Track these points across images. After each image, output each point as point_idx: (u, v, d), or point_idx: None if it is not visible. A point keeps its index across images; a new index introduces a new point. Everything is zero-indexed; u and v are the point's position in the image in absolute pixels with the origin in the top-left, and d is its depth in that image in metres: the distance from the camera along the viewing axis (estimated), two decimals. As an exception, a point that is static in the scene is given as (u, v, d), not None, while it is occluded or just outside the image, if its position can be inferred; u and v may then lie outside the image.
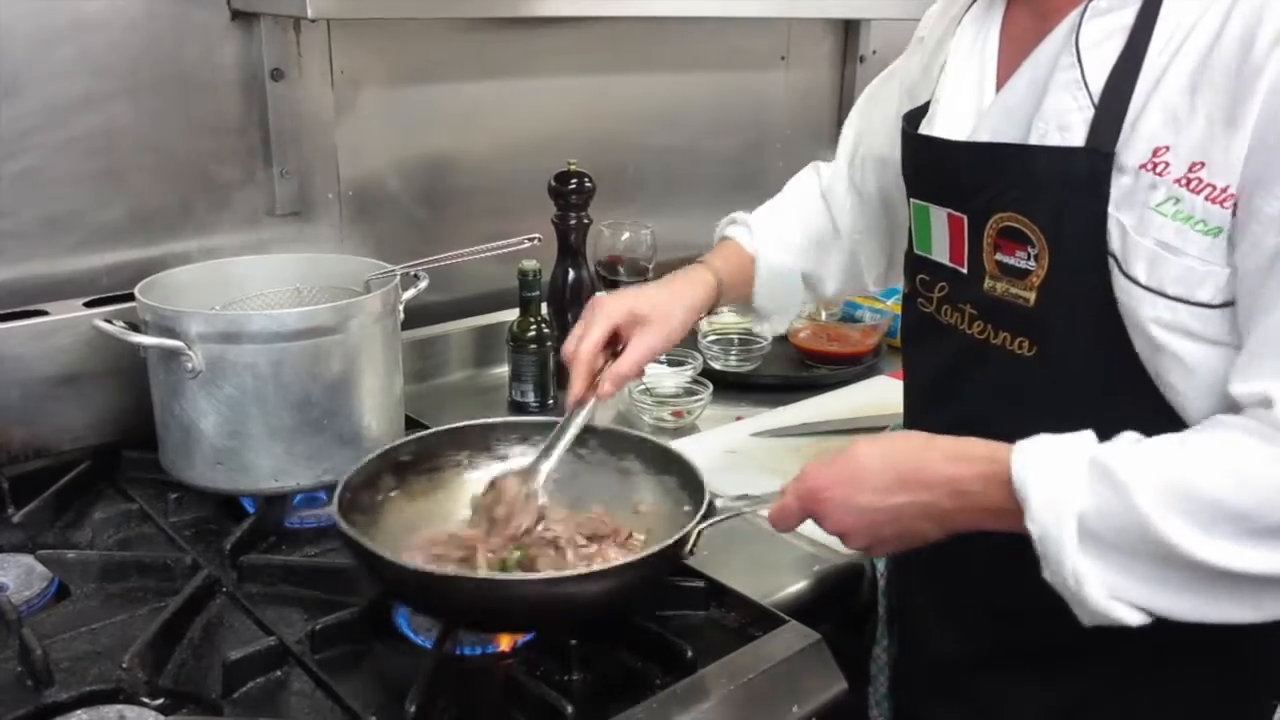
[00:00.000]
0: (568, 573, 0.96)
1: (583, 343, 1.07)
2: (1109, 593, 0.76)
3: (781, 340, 1.83)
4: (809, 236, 1.27)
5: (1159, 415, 0.83)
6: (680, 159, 2.01)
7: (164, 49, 1.38)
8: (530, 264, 1.53)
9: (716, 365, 1.71)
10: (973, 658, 1.04)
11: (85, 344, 1.29)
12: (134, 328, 1.18)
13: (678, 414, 1.53)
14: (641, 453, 1.13)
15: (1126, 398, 0.85)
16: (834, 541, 1.17)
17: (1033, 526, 0.77)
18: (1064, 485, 0.76)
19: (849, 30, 2.22)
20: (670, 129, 1.97)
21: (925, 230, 1.00)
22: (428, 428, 1.39)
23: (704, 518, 0.96)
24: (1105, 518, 0.75)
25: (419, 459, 1.11)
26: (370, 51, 1.56)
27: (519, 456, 1.14)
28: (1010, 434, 0.81)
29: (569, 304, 1.63)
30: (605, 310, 1.09)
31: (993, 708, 1.03)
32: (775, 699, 0.93)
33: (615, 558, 1.00)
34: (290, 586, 1.06)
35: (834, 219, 1.28)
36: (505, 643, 0.98)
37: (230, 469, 1.18)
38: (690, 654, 0.94)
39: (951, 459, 0.83)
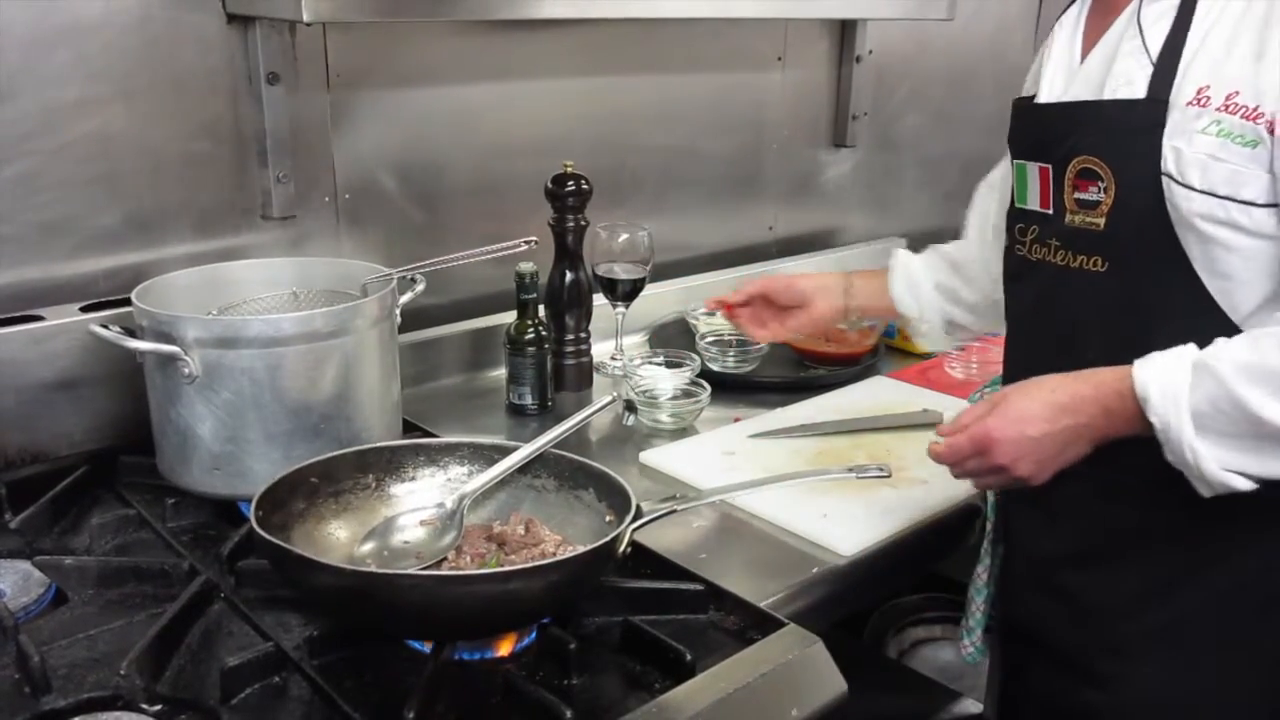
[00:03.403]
0: (521, 566, 0.99)
1: (739, 289, 1.50)
2: (1220, 465, 0.97)
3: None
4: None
5: (1212, 313, 1.03)
6: (677, 160, 2.01)
7: (159, 53, 1.38)
8: (527, 266, 1.53)
9: (714, 367, 1.70)
10: (1071, 554, 1.18)
11: (82, 349, 1.29)
12: (130, 333, 1.18)
13: (675, 416, 1.53)
14: (557, 471, 1.15)
15: (1185, 297, 1.04)
16: (832, 543, 1.20)
17: (1155, 419, 0.98)
18: (1176, 384, 0.98)
19: (845, 30, 2.21)
20: (667, 130, 1.97)
21: (1023, 185, 1.19)
22: (425, 431, 1.40)
23: (633, 519, 1.01)
24: (1209, 403, 0.96)
25: (326, 481, 1.10)
26: (366, 54, 1.56)
27: (428, 478, 1.15)
28: (1094, 338, 1.09)
29: (566, 306, 1.63)
30: (768, 283, 1.49)
31: (1083, 595, 1.17)
32: (775, 702, 0.93)
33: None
34: (288, 592, 1.06)
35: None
36: (504, 647, 0.98)
37: (227, 474, 1.18)
38: (689, 657, 0.94)
39: (1093, 385, 1.04)
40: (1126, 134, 1.06)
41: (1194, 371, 0.97)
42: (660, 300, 1.91)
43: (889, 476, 1.21)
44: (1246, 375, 0.95)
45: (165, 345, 1.14)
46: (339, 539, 1.08)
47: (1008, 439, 1.06)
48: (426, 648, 0.97)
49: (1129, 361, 1.01)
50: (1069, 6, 1.23)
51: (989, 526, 1.33)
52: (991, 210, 1.41)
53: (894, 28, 2.28)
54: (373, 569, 1.01)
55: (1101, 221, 1.08)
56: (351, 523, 1.10)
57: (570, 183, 1.58)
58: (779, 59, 2.13)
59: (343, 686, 0.92)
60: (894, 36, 2.29)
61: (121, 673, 0.90)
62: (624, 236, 1.68)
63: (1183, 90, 1.03)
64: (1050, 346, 1.14)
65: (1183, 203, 1.02)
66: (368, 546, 1.06)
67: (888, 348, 1.90)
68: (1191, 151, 1.01)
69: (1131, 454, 1.02)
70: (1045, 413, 1.05)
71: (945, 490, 1.32)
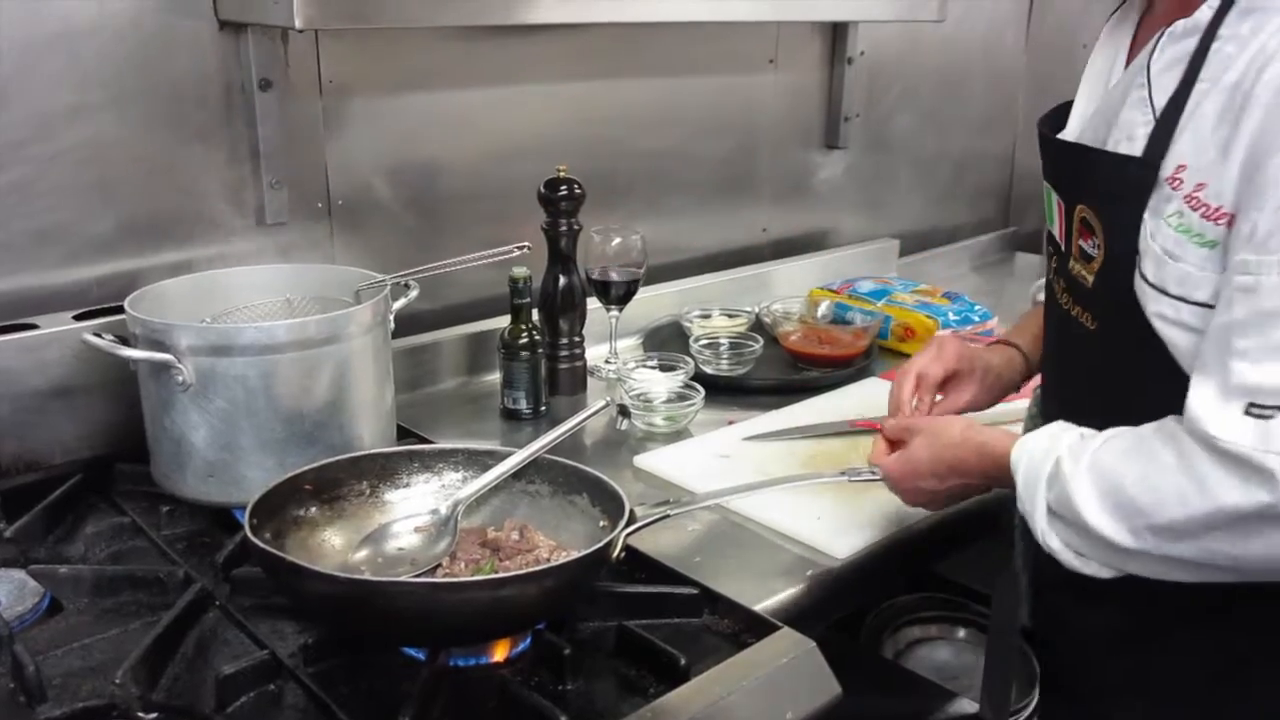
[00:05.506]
0: (515, 572, 0.99)
1: (931, 366, 1.30)
2: (1076, 555, 0.96)
3: (773, 343, 1.83)
4: None
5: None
6: (670, 163, 2.02)
7: (152, 60, 1.38)
8: (521, 271, 1.53)
9: (708, 369, 1.71)
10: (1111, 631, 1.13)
11: (75, 357, 1.29)
12: (124, 341, 1.18)
13: (670, 419, 1.53)
14: (551, 476, 1.15)
15: (1169, 367, 0.95)
16: (826, 546, 1.20)
17: (1020, 506, 1.01)
18: (1035, 475, 0.98)
19: (837, 33, 2.22)
20: (660, 133, 1.98)
21: (1050, 211, 1.12)
22: (420, 437, 1.41)
23: (627, 524, 1.01)
24: (1058, 503, 0.96)
25: (320, 488, 1.10)
26: (359, 60, 1.56)
27: (422, 484, 1.15)
28: (1085, 391, 1.05)
29: (560, 310, 1.63)
30: (943, 360, 1.30)
31: (1139, 607, 1.10)
32: (769, 706, 0.93)
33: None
34: (283, 599, 1.05)
35: None
36: (500, 653, 0.98)
37: (222, 481, 1.18)
38: (684, 662, 0.94)
39: (979, 454, 1.09)
40: (1118, 195, 0.97)
41: (1055, 466, 0.96)
42: (654, 303, 1.91)
43: (882, 479, 1.21)
44: (1093, 484, 0.92)
45: (158, 353, 1.14)
46: (333, 546, 1.08)
47: (905, 488, 1.16)
48: (422, 654, 0.97)
49: (1125, 418, 0.96)
50: (1114, 13, 1.12)
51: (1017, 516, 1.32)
52: None
53: (885, 29, 2.28)
54: (367, 576, 1.01)
55: (1091, 279, 1.02)
56: (346, 529, 1.10)
57: (563, 187, 1.58)
58: (771, 61, 2.13)
59: (338, 694, 0.92)
60: (886, 38, 2.30)
61: (116, 681, 0.90)
62: (617, 240, 1.69)
63: (1168, 162, 0.92)
64: (1059, 386, 1.12)
65: (1138, 291, 0.95)
66: (362, 553, 1.06)
67: (881, 349, 1.90)
68: (1153, 241, 0.93)
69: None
70: (935, 469, 1.13)
71: (939, 492, 1.32)
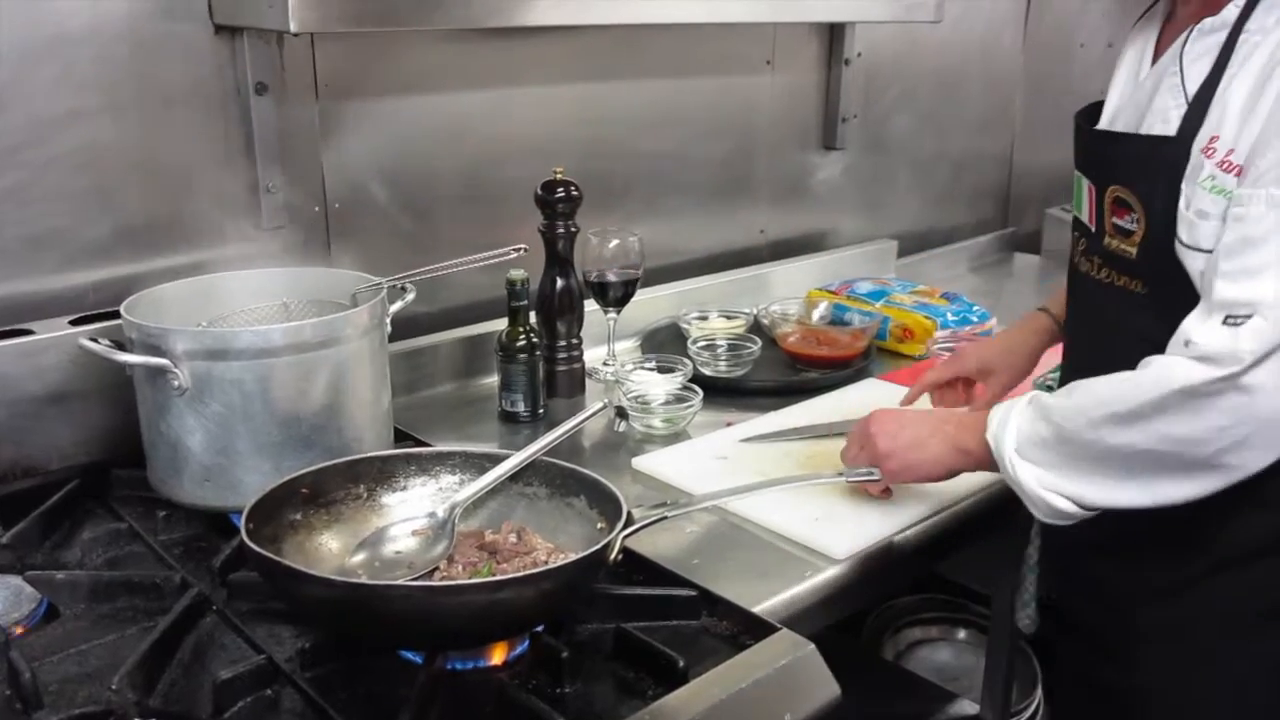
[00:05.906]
0: (512, 575, 0.98)
1: (929, 374, 1.49)
2: (1039, 484, 1.06)
3: (771, 345, 1.83)
4: None
5: None
6: (667, 165, 2.01)
7: (148, 64, 1.37)
8: (518, 273, 1.53)
9: (706, 371, 1.70)
10: (1095, 542, 1.21)
11: (71, 362, 1.29)
12: (120, 346, 1.17)
13: (668, 421, 1.53)
14: (548, 478, 1.15)
15: None
16: (825, 546, 1.19)
17: (990, 439, 1.11)
18: (1010, 411, 1.10)
19: (834, 34, 2.22)
20: (657, 135, 1.97)
21: (1079, 196, 1.22)
22: (417, 440, 1.40)
23: (624, 526, 1.01)
24: (1030, 421, 1.08)
25: (317, 492, 1.10)
26: (354, 64, 1.56)
27: (419, 487, 1.15)
28: (1129, 351, 1.06)
29: (557, 313, 1.63)
30: (958, 362, 1.48)
31: (1105, 582, 1.23)
32: (768, 707, 0.92)
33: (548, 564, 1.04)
34: (280, 604, 1.05)
35: None
36: (498, 656, 0.98)
37: (218, 486, 1.18)
38: (682, 664, 0.94)
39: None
40: (1155, 172, 1.08)
41: (1029, 403, 1.09)
42: (652, 305, 1.91)
43: (880, 479, 1.21)
44: (1067, 390, 1.07)
45: (155, 358, 1.14)
46: (331, 550, 1.08)
47: (884, 413, 1.25)
48: (419, 658, 0.97)
49: None
50: (1140, 18, 1.24)
51: (1030, 549, 1.38)
52: None
53: (883, 30, 2.28)
54: (363, 580, 1.01)
55: (1134, 251, 1.12)
56: (343, 533, 1.10)
57: (560, 189, 1.58)
58: (768, 63, 2.13)
59: (336, 698, 0.92)
60: (883, 39, 2.30)
61: (113, 687, 0.90)
62: (615, 242, 1.68)
63: (1201, 136, 1.05)
64: (1097, 362, 1.14)
65: (1179, 254, 1.06)
66: (359, 557, 1.06)
67: (880, 350, 1.90)
68: (1186, 208, 1.04)
69: None
70: (911, 413, 1.26)
71: (938, 492, 1.32)
